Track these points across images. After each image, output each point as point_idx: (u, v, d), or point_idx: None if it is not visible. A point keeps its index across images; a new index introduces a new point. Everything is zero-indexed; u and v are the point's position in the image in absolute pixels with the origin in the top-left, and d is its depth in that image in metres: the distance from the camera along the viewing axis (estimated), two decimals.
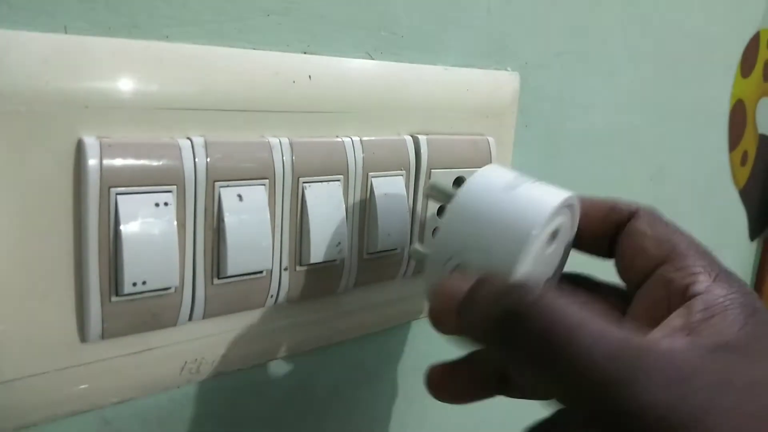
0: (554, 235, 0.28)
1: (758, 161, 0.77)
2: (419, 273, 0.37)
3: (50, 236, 0.24)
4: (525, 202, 0.26)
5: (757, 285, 0.85)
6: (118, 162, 0.24)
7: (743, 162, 0.74)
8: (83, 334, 0.25)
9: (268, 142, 0.28)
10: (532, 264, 0.27)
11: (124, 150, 0.24)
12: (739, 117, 0.70)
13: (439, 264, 0.27)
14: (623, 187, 0.55)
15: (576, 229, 0.30)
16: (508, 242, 0.25)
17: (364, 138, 0.32)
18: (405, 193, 0.34)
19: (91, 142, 0.24)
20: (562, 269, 0.31)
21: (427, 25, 0.35)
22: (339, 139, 0.31)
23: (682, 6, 0.55)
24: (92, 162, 0.24)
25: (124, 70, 0.25)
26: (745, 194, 0.76)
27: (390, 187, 0.33)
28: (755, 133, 0.75)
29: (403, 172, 0.34)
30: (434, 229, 0.36)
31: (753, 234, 0.81)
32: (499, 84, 0.39)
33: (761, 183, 0.79)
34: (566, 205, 0.28)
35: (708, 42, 0.61)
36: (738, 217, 0.76)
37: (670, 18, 0.54)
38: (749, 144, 0.74)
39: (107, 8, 0.25)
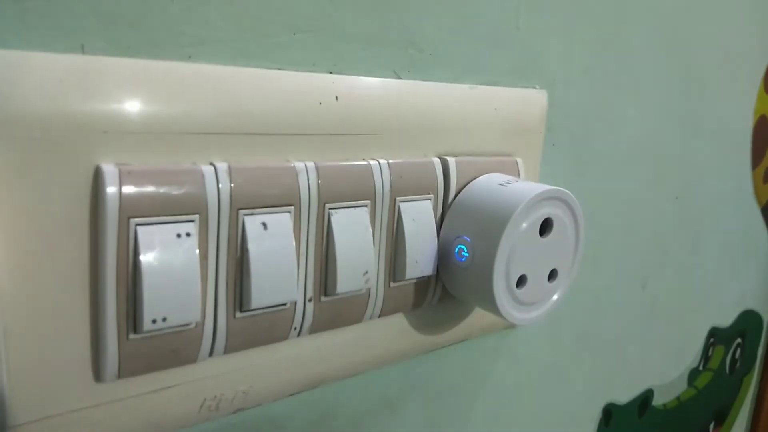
0: (547, 224, 0.32)
1: None
2: (445, 300, 0.35)
3: (65, 269, 0.22)
4: (512, 192, 0.31)
5: None
6: (138, 190, 0.23)
7: (766, 179, 0.72)
8: (99, 374, 0.24)
9: (294, 166, 0.27)
10: (523, 249, 0.31)
11: (144, 177, 0.23)
12: (761, 133, 0.68)
13: (448, 244, 0.32)
14: (649, 205, 0.53)
15: (581, 226, 0.34)
16: (495, 224, 0.30)
17: (392, 161, 0.31)
18: (433, 218, 0.32)
19: (109, 170, 0.22)
20: (575, 263, 0.35)
21: (455, 42, 0.34)
22: (366, 163, 0.30)
23: (707, 21, 0.54)
24: (111, 190, 0.22)
25: (145, 92, 0.23)
26: (766, 212, 0.74)
27: (418, 212, 0.32)
28: None
29: (431, 196, 0.32)
30: None
31: None
32: (527, 102, 0.38)
33: None
34: (552, 197, 0.32)
35: (732, 57, 0.59)
36: (759, 235, 0.75)
37: (694, 34, 0.52)
38: None
39: (126, 26, 0.23)
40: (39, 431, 0.23)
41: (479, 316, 0.38)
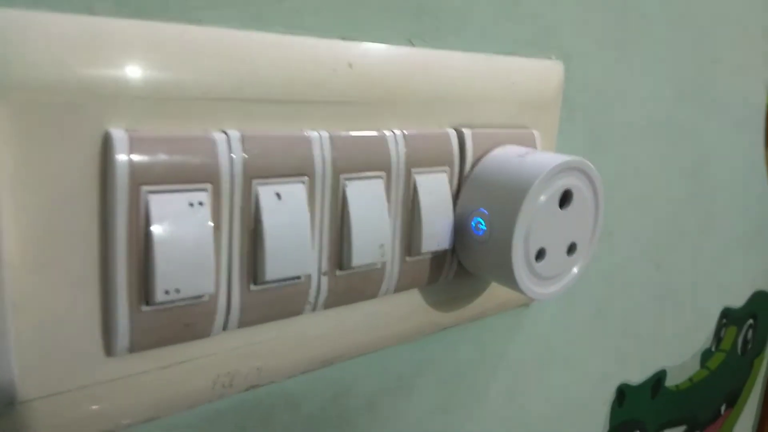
0: (566, 196, 0.31)
1: None
2: (461, 276, 0.34)
3: (74, 239, 0.21)
4: (530, 163, 0.30)
5: None
6: (149, 157, 0.22)
7: None
8: (109, 348, 0.23)
9: (308, 135, 0.26)
10: (542, 222, 0.30)
11: (155, 144, 0.22)
12: None
13: (465, 218, 0.31)
14: (663, 183, 0.52)
15: (600, 198, 0.33)
16: (513, 196, 0.29)
17: (407, 131, 0.30)
18: (449, 191, 0.31)
19: (119, 136, 0.21)
20: (594, 236, 0.34)
21: (470, 10, 0.33)
22: (381, 133, 0.29)
23: None
24: (121, 157, 0.21)
25: (155, 56, 0.22)
26: None
27: (434, 184, 0.31)
28: None
29: (447, 168, 0.31)
30: None
31: None
32: (544, 73, 0.37)
33: None
34: (572, 167, 0.31)
35: (748, 33, 0.58)
36: None
37: (710, 7, 0.51)
38: None
39: None
40: (49, 407, 0.22)
41: (494, 294, 0.38)
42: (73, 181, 0.21)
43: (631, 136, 0.47)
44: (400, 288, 0.32)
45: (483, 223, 0.31)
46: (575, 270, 0.33)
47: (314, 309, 0.28)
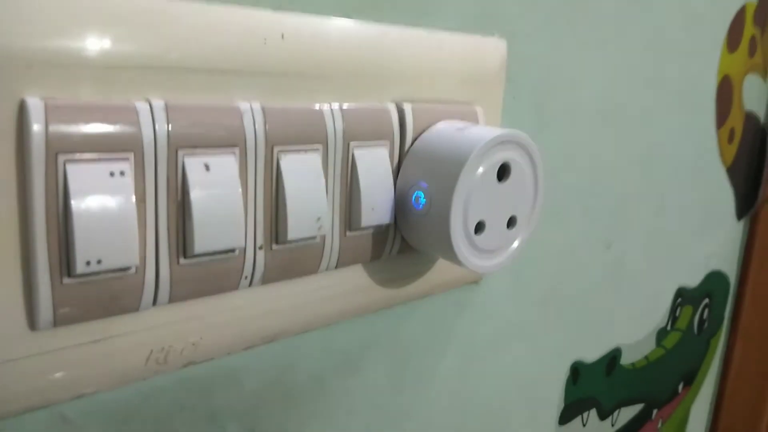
0: (504, 169, 0.32)
1: (745, 139, 0.75)
2: (405, 252, 0.34)
3: None
4: (468, 136, 0.31)
5: (744, 264, 0.84)
6: (67, 126, 0.21)
7: (730, 139, 0.72)
8: (33, 321, 0.22)
9: (238, 106, 0.26)
10: (481, 195, 0.30)
11: (73, 113, 0.21)
12: (726, 93, 0.68)
13: (405, 192, 0.32)
14: (613, 164, 0.53)
15: (539, 171, 0.33)
16: (450, 168, 0.30)
17: (345, 105, 0.30)
18: (389, 164, 0.31)
19: (35, 104, 0.21)
20: (534, 210, 0.34)
21: None
22: (317, 106, 0.29)
23: None
24: (36, 127, 0.21)
25: (75, 23, 0.22)
26: (732, 172, 0.74)
27: (373, 158, 0.31)
28: (742, 109, 0.73)
29: (387, 142, 0.31)
30: None
31: (740, 213, 0.79)
32: (486, 50, 0.37)
33: (748, 161, 0.78)
34: (510, 140, 0.31)
35: (695, 16, 0.59)
36: (725, 195, 0.75)
37: None
38: (736, 121, 0.72)
39: None
40: None
41: (442, 271, 0.38)
42: None
43: (580, 115, 0.47)
44: (342, 264, 0.31)
45: (423, 196, 0.31)
46: (516, 243, 0.34)
47: (251, 284, 0.28)
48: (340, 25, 0.30)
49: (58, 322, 0.23)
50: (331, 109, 0.29)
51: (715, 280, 0.78)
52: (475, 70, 0.36)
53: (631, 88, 0.52)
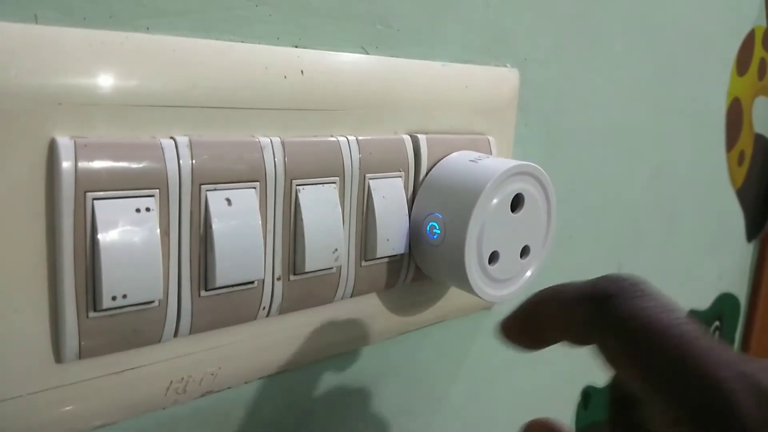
0: (518, 200, 0.32)
1: (755, 161, 0.76)
2: (419, 280, 0.35)
3: (20, 246, 0.22)
4: (482, 168, 0.31)
5: (755, 286, 0.83)
6: (95, 164, 0.22)
7: (740, 162, 0.72)
8: (59, 354, 0.23)
9: (259, 141, 0.26)
10: (495, 225, 0.31)
11: (101, 151, 0.22)
12: (735, 116, 0.69)
13: (420, 222, 0.32)
14: (623, 186, 0.53)
15: (552, 201, 0.34)
16: (465, 199, 0.30)
17: (361, 137, 0.30)
18: (404, 195, 0.32)
19: (64, 143, 0.22)
20: (547, 240, 0.35)
21: (424, 18, 0.33)
22: (334, 139, 0.29)
23: (680, 3, 0.54)
24: (66, 164, 0.21)
25: (101, 64, 0.22)
26: (742, 194, 0.74)
27: (388, 189, 0.31)
28: (751, 132, 0.73)
29: (402, 173, 0.32)
30: None
31: (750, 235, 0.79)
32: (498, 80, 0.38)
33: (758, 183, 0.78)
34: (523, 172, 0.32)
35: (704, 39, 0.59)
36: (735, 217, 0.75)
37: (667, 14, 0.52)
38: (746, 143, 0.73)
39: None
40: None
41: (455, 297, 0.38)
42: (19, 187, 0.21)
43: (590, 141, 0.48)
44: (357, 293, 0.32)
45: (437, 227, 0.31)
46: (528, 273, 0.34)
47: (269, 314, 0.28)
48: (357, 60, 0.30)
49: (83, 355, 0.23)
50: (348, 141, 0.30)
51: (725, 301, 0.78)
52: (488, 100, 0.37)
53: (641, 112, 0.53)
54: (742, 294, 0.83)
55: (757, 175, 0.77)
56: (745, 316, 0.85)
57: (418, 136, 0.33)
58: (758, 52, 0.70)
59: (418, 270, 0.34)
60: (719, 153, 0.68)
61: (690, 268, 0.68)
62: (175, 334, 0.25)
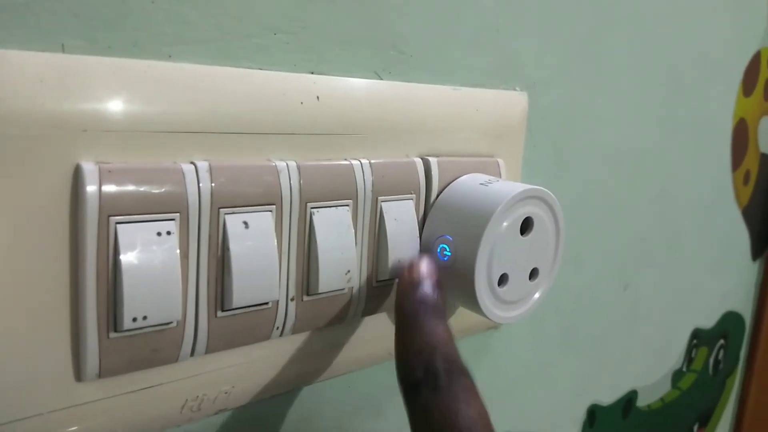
0: (527, 223, 0.33)
1: (760, 181, 0.76)
2: None
3: (45, 268, 0.22)
4: (493, 191, 0.32)
5: (760, 305, 0.84)
6: (118, 189, 0.23)
7: (746, 181, 0.73)
8: (79, 373, 0.23)
9: (275, 165, 0.27)
10: (504, 248, 0.32)
11: (124, 176, 0.23)
12: (741, 136, 0.69)
13: (430, 244, 0.33)
14: (630, 206, 0.54)
15: (561, 225, 0.34)
16: (476, 222, 0.31)
17: (373, 161, 0.31)
18: (416, 217, 0.32)
19: (89, 168, 0.22)
20: (555, 262, 0.35)
21: (436, 44, 0.34)
22: (347, 162, 0.30)
23: (686, 25, 0.54)
24: (91, 189, 0.22)
25: (125, 91, 0.23)
26: (747, 213, 0.75)
27: (400, 211, 0.32)
28: (757, 152, 0.74)
29: (413, 195, 0.32)
30: None
31: (755, 254, 0.80)
32: (508, 104, 0.38)
33: (763, 202, 0.78)
34: (533, 196, 0.32)
35: (711, 61, 0.60)
36: (740, 236, 0.76)
37: (674, 36, 0.53)
38: (752, 163, 0.73)
39: (107, 26, 0.23)
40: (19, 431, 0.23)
41: (462, 318, 0.39)
42: (44, 211, 0.22)
43: (597, 162, 0.48)
44: (368, 312, 0.32)
45: (448, 249, 0.32)
46: (537, 295, 0.34)
47: (282, 334, 0.29)
48: (370, 85, 0.31)
49: (102, 374, 0.24)
50: (361, 165, 0.30)
51: (730, 320, 0.78)
52: (498, 123, 0.37)
53: (647, 132, 0.53)
54: (747, 312, 0.83)
55: (762, 195, 0.77)
56: (750, 334, 0.85)
57: (430, 158, 0.33)
58: (764, 73, 0.71)
59: None
60: (725, 172, 0.68)
61: (695, 286, 0.68)
62: (192, 354, 0.26)
